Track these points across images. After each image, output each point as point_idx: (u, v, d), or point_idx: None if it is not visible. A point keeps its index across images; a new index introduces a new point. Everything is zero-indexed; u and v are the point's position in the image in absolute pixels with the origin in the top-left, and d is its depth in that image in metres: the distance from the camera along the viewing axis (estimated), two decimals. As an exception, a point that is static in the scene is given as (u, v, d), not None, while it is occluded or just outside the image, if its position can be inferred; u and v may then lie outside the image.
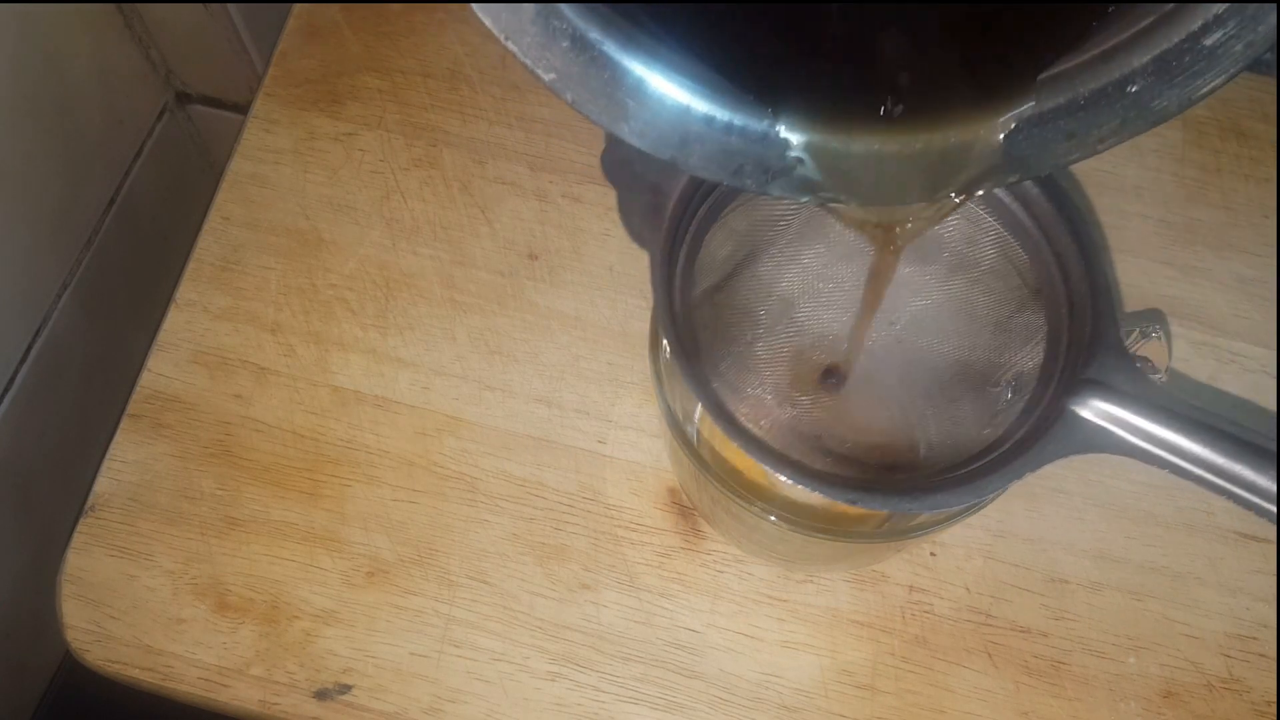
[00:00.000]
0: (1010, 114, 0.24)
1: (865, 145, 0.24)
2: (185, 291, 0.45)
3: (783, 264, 0.38)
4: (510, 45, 0.21)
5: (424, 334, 0.44)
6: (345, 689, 0.38)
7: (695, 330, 0.33)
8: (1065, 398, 0.30)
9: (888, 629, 0.40)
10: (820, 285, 0.39)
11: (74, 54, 0.52)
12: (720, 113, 0.23)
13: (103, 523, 0.41)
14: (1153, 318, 0.45)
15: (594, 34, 0.22)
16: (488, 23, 0.21)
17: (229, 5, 0.55)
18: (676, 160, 0.24)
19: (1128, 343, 0.34)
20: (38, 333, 0.53)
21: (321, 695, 0.38)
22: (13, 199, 0.49)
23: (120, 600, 0.39)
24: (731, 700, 0.39)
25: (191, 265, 0.45)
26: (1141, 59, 0.23)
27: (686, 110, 0.23)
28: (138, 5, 0.55)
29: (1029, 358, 0.34)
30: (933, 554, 0.41)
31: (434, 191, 0.47)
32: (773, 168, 0.24)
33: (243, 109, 0.55)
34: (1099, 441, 0.29)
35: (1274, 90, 0.49)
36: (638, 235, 0.32)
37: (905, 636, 0.40)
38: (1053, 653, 0.39)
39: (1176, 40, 0.22)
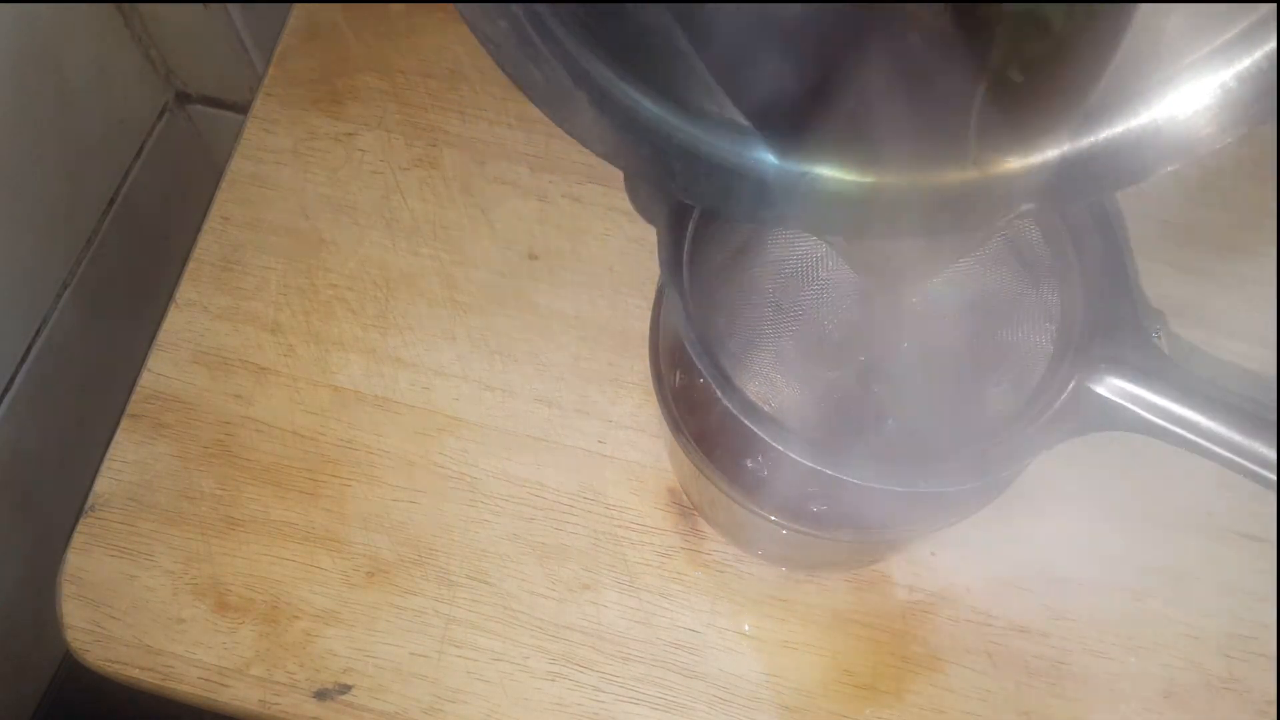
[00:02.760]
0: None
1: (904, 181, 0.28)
2: (185, 291, 0.45)
3: (795, 239, 0.37)
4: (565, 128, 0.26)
5: (424, 334, 0.44)
6: (345, 689, 0.38)
7: (705, 306, 0.32)
8: (1081, 375, 0.29)
9: (888, 629, 0.40)
10: (833, 260, 0.38)
11: (74, 54, 0.52)
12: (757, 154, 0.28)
13: (103, 523, 0.41)
14: (1153, 317, 0.45)
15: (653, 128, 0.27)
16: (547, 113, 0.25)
17: (229, 5, 0.55)
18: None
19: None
20: (38, 333, 0.53)
21: (321, 695, 0.38)
22: (13, 199, 0.49)
23: (120, 600, 0.39)
24: (732, 700, 0.39)
25: (191, 265, 0.45)
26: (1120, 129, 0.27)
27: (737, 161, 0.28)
28: (138, 5, 0.55)
29: (1042, 336, 0.33)
30: (933, 554, 0.41)
31: (434, 191, 0.47)
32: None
33: (243, 109, 0.55)
34: (1115, 418, 0.29)
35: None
36: (644, 210, 0.32)
37: (905, 636, 0.40)
38: (1053, 653, 0.39)
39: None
